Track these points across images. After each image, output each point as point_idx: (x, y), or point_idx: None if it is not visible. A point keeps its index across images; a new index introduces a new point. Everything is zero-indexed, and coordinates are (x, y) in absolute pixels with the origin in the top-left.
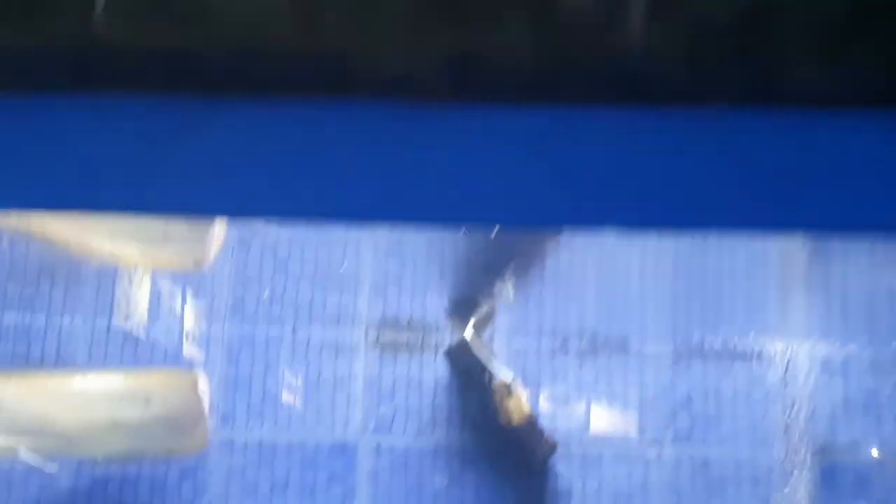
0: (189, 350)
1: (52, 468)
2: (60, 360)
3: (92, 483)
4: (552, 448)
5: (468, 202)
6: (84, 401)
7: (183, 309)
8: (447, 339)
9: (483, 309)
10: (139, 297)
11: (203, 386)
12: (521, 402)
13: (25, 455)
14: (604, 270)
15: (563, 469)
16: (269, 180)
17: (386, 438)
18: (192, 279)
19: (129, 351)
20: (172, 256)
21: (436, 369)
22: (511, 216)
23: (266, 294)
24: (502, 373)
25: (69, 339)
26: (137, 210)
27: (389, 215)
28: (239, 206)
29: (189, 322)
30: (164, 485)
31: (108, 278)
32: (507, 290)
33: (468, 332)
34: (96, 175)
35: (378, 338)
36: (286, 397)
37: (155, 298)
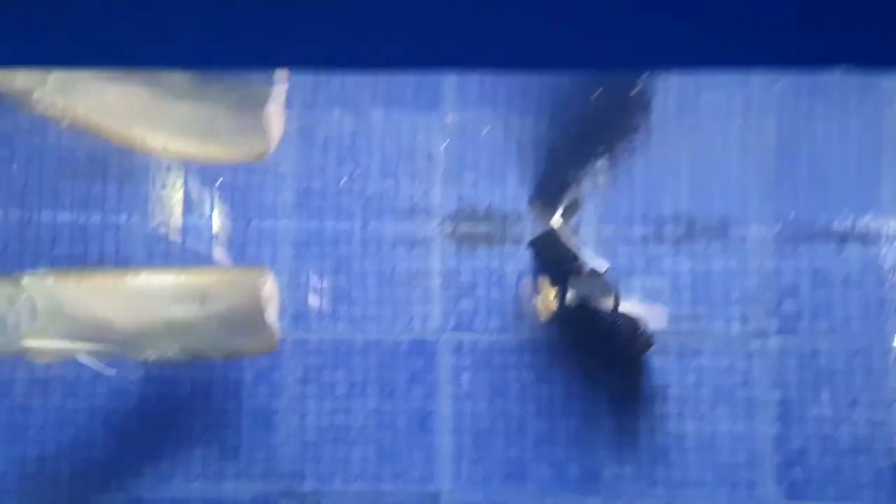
0: (248, 248)
1: (110, 371)
2: (120, 261)
3: (162, 387)
4: (648, 342)
5: (572, 43)
6: (139, 300)
7: (233, 205)
8: (530, 228)
9: (569, 195)
10: (194, 193)
11: (267, 284)
12: (548, 299)
13: (84, 359)
14: (700, 147)
15: (659, 364)
16: (360, 25)
17: (467, 335)
18: (252, 173)
19: (189, 250)
20: (228, 149)
21: (518, 261)
22: (622, 58)
23: (343, 181)
24: (593, 262)
25: (127, 239)
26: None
27: (482, 60)
28: (332, 56)
29: (248, 218)
30: (239, 387)
31: (161, 175)
32: (595, 173)
33: (555, 220)
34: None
35: (455, 230)
36: (359, 295)
37: (210, 194)
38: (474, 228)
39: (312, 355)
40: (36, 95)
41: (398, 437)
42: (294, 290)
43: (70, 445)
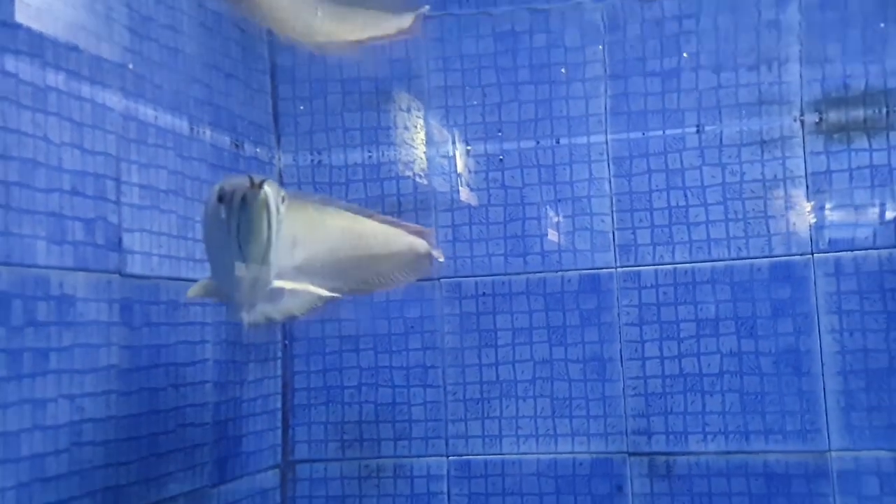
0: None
1: None
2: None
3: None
4: None
5: None
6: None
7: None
8: None
9: None
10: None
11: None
12: None
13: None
14: None
15: None
16: None
17: (846, 255)
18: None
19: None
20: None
21: None
22: None
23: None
24: None
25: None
26: None
27: None
28: None
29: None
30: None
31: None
32: None
33: None
34: None
35: (820, 120)
36: (698, 214)
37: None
38: (846, 116)
39: (646, 290)
40: None
41: (766, 382)
42: (622, 213)
43: (388, 406)
